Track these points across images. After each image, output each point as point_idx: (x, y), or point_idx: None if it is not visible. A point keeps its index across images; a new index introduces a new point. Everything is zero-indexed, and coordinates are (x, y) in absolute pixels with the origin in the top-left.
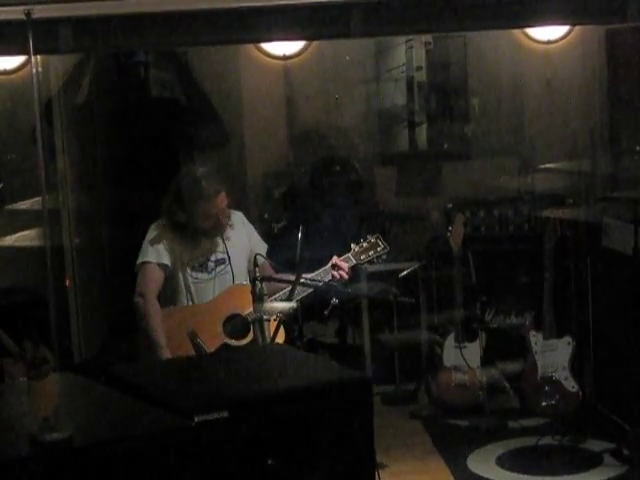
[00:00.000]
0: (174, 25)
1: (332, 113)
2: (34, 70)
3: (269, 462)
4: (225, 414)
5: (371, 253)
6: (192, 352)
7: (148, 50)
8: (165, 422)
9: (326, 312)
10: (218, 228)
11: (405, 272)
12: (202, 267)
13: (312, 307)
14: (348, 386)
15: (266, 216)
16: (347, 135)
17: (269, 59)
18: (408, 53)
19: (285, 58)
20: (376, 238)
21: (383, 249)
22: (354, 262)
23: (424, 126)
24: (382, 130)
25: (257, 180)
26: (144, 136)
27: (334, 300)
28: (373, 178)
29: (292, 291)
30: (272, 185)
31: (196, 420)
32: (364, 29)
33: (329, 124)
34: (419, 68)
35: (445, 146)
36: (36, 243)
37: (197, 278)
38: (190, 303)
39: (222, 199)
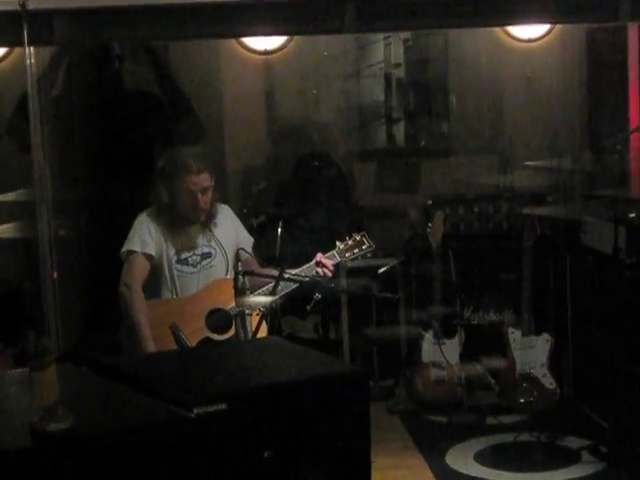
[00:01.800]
0: (166, 18)
1: (312, 109)
2: (28, 61)
3: (265, 455)
4: (224, 406)
5: (356, 251)
6: (174, 345)
7: (124, 43)
8: (165, 414)
9: (308, 307)
10: (203, 217)
11: (384, 268)
12: (188, 260)
13: (292, 302)
14: (345, 379)
15: (245, 211)
16: (327, 131)
17: (250, 54)
18: (387, 50)
19: (266, 53)
20: (362, 236)
21: (368, 247)
22: (339, 259)
23: (402, 123)
24: (361, 126)
25: (236, 175)
26: (119, 129)
27: (317, 295)
28: (352, 174)
29: (275, 286)
30: (251, 180)
31: (195, 412)
32: (357, 25)
33: (309, 120)
34: (397, 65)
35: (422, 143)
36: (13, 235)
37: (182, 271)
38: (174, 296)
39: (205, 178)
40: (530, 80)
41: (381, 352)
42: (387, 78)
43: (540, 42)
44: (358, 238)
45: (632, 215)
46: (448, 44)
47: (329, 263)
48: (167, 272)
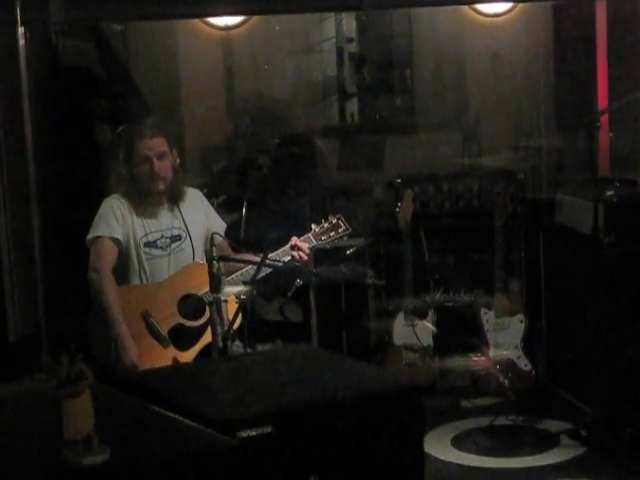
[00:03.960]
0: None
1: (272, 85)
2: (21, 42)
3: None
4: (269, 429)
5: (332, 234)
6: (145, 332)
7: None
8: (206, 440)
9: (289, 294)
10: (162, 186)
11: (352, 249)
12: (156, 243)
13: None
14: (400, 396)
15: (205, 191)
16: (287, 107)
17: (210, 29)
18: (339, 25)
19: (226, 29)
20: (337, 219)
21: (345, 230)
22: (314, 243)
23: (356, 99)
24: (321, 102)
25: (195, 154)
26: (60, 108)
27: (298, 282)
28: (313, 151)
29: (257, 273)
30: (211, 159)
31: (239, 436)
32: (375, 2)
33: (269, 97)
34: (350, 40)
35: (377, 117)
36: None
37: (151, 254)
38: (144, 281)
39: (160, 142)
40: (496, 55)
41: (350, 335)
42: (339, 53)
43: (506, 17)
44: (334, 221)
45: (609, 193)
46: (412, 19)
47: (305, 246)
48: (135, 256)
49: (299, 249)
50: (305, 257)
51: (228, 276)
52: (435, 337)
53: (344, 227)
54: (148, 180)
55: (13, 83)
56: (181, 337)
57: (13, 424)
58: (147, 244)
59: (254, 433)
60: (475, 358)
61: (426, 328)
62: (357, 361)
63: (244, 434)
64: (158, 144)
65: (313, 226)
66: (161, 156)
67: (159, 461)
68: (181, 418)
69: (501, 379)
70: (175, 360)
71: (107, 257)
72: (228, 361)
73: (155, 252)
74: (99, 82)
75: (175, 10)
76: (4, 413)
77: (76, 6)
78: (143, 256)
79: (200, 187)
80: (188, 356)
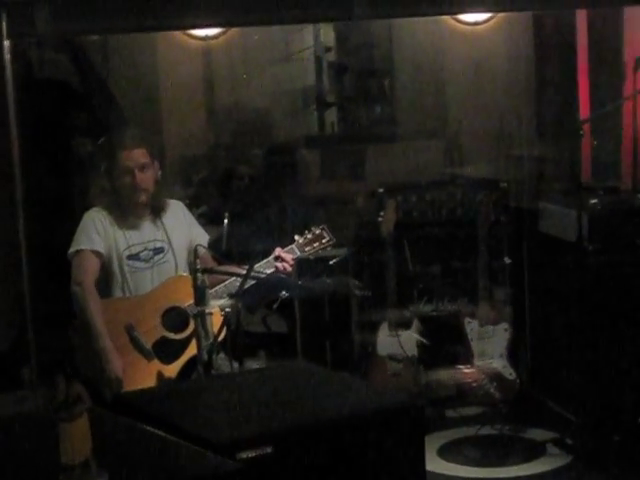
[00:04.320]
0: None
1: (252, 95)
2: (7, 56)
3: None
4: (269, 450)
5: (316, 245)
6: (129, 346)
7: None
8: (206, 463)
9: (275, 306)
10: (144, 198)
11: (335, 259)
12: (139, 256)
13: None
14: (401, 414)
15: (186, 201)
16: (267, 117)
17: (189, 39)
18: (317, 34)
19: (206, 39)
20: (321, 229)
21: (329, 241)
22: (298, 254)
23: (335, 108)
24: (301, 112)
25: (176, 165)
26: (36, 120)
27: (283, 293)
28: (295, 161)
29: (242, 285)
30: (191, 170)
31: (238, 458)
32: (365, 12)
33: (250, 107)
34: (329, 49)
35: (357, 126)
36: None
37: (134, 267)
38: (127, 294)
39: (141, 154)
40: (476, 64)
41: (334, 346)
42: (318, 62)
43: (486, 25)
44: (318, 232)
45: (593, 201)
46: (392, 28)
47: (289, 257)
48: (118, 269)
49: (283, 260)
50: (289, 268)
51: (212, 288)
52: (420, 347)
53: (328, 238)
54: (130, 192)
55: None
56: (165, 350)
57: (8, 448)
58: (130, 257)
59: (254, 454)
60: (465, 371)
61: (411, 338)
62: (353, 378)
63: (244, 455)
64: (139, 155)
65: (296, 237)
66: (143, 167)
67: None
68: (180, 440)
69: (491, 390)
70: (159, 374)
71: (89, 270)
72: (223, 380)
73: (138, 265)
74: (75, 94)
75: (158, 23)
76: None
77: (62, 19)
78: (126, 269)
79: (180, 198)
80: (172, 369)
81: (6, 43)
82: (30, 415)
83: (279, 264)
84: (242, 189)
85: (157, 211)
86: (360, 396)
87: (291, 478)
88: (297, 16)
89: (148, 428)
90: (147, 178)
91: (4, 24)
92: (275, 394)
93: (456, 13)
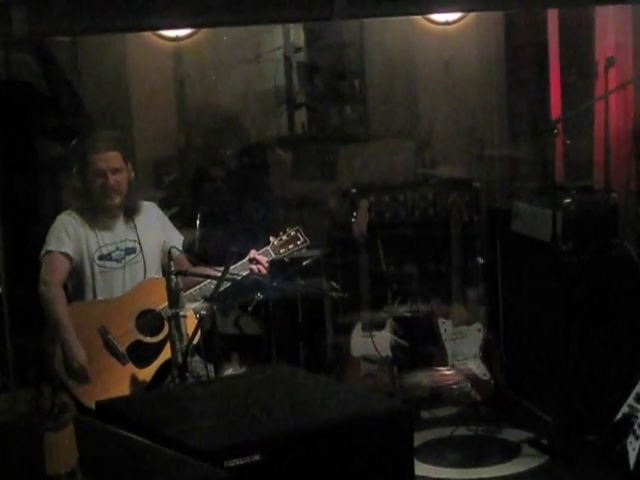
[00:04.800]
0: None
1: (223, 96)
2: None
3: None
4: (257, 457)
5: (291, 247)
6: (102, 349)
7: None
8: (194, 471)
9: (250, 308)
10: (117, 200)
11: (308, 261)
12: (111, 255)
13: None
14: (389, 418)
15: (157, 203)
16: (238, 118)
17: (159, 40)
18: (287, 34)
19: (177, 39)
20: (296, 231)
21: (303, 242)
22: (273, 256)
23: (304, 109)
24: (272, 112)
25: (147, 166)
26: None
27: (258, 296)
28: (267, 161)
29: (217, 287)
30: (162, 171)
31: (226, 466)
32: (346, 13)
33: (220, 107)
34: (298, 49)
35: (327, 127)
36: None
37: (105, 267)
38: (98, 295)
39: (113, 157)
40: (447, 64)
41: (308, 347)
42: (287, 63)
43: (457, 25)
44: (292, 233)
45: (567, 201)
46: (363, 27)
47: (264, 260)
48: (89, 270)
49: (258, 262)
50: (264, 271)
51: (186, 291)
52: (393, 348)
53: (302, 239)
54: (102, 194)
55: None
56: (139, 354)
57: None
58: (101, 257)
59: (242, 462)
60: (439, 371)
61: (384, 339)
62: (337, 381)
63: (232, 463)
64: (112, 158)
65: (272, 239)
66: (115, 170)
67: None
68: (166, 449)
69: (466, 390)
70: (134, 377)
71: (57, 270)
72: (207, 386)
73: (109, 264)
74: (42, 96)
75: (128, 23)
76: None
77: (37, 20)
78: (97, 269)
79: (152, 199)
80: (147, 373)
81: None
82: (13, 424)
83: (254, 266)
84: (214, 190)
85: (130, 213)
86: (347, 400)
87: None
88: (273, 16)
89: (134, 437)
90: (120, 180)
91: None
92: (261, 400)
93: (435, 12)
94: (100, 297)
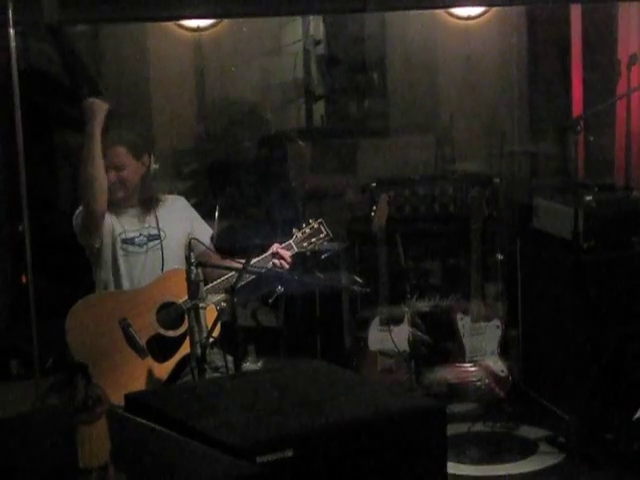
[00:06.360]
0: None
1: (243, 88)
2: (13, 44)
3: None
4: (289, 453)
5: (313, 240)
6: (122, 342)
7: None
8: (226, 467)
9: (270, 301)
10: (122, 194)
11: (326, 254)
12: (134, 240)
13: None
14: (424, 415)
15: (176, 194)
16: (258, 110)
17: (180, 30)
18: (306, 27)
19: (198, 30)
20: (319, 224)
21: (326, 236)
22: (296, 250)
23: (324, 101)
24: (291, 104)
25: (166, 157)
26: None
27: (279, 288)
28: (286, 154)
29: (237, 281)
30: (181, 162)
31: (258, 462)
32: (379, 5)
33: (240, 99)
34: (318, 42)
35: (347, 120)
36: None
37: (127, 251)
38: (120, 279)
39: (118, 153)
40: (469, 59)
41: (324, 340)
42: (306, 56)
43: (479, 20)
44: (315, 226)
45: (588, 198)
46: (385, 21)
47: (287, 254)
48: (111, 252)
49: (281, 257)
50: (287, 265)
51: (211, 283)
52: (411, 343)
53: (325, 232)
54: (109, 187)
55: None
56: (159, 348)
57: (23, 450)
58: (124, 240)
59: (274, 458)
60: (457, 367)
61: (402, 334)
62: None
63: (264, 459)
64: (115, 154)
65: (295, 231)
66: (118, 167)
67: None
68: (198, 443)
69: (483, 387)
70: (152, 372)
71: None
72: (238, 380)
73: (132, 249)
74: (60, 86)
75: (151, 13)
76: (14, 438)
77: (69, 7)
78: (119, 252)
79: (170, 190)
80: (166, 367)
81: (12, 31)
82: (46, 416)
83: (276, 260)
84: (232, 181)
85: (148, 205)
86: (380, 397)
87: None
88: (306, 7)
89: (165, 431)
90: (124, 177)
91: (10, 12)
92: (295, 395)
93: (459, 6)
94: (123, 282)
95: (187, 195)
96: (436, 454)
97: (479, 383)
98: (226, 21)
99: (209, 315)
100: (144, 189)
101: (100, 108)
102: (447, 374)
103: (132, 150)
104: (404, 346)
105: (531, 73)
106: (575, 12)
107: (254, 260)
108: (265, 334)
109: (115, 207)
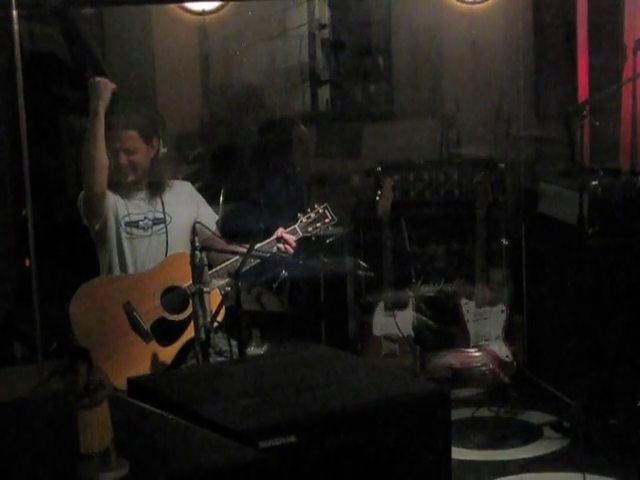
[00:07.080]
0: None
1: (248, 71)
2: (16, 27)
3: None
4: (293, 439)
5: (318, 225)
6: (126, 326)
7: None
8: (229, 452)
9: (274, 285)
10: (132, 177)
11: (332, 238)
12: (138, 223)
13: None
14: (428, 400)
15: (180, 178)
16: (262, 94)
17: (185, 13)
18: (312, 11)
19: (203, 13)
20: (324, 208)
21: (330, 221)
22: (301, 235)
23: (329, 86)
24: (296, 88)
25: (170, 141)
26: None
27: (283, 273)
28: (289, 137)
29: (241, 265)
30: (186, 146)
31: (261, 447)
32: None
33: (244, 83)
34: (323, 26)
35: (352, 104)
36: None
37: (131, 234)
38: (124, 262)
39: (129, 137)
40: (474, 43)
41: (329, 325)
42: (311, 40)
43: (485, 4)
44: (320, 210)
45: (594, 183)
46: (390, 4)
47: (291, 239)
48: (115, 234)
49: (286, 242)
50: (291, 250)
51: (216, 267)
52: (416, 328)
53: (330, 217)
54: (116, 171)
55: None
56: (163, 332)
57: (24, 435)
58: (128, 223)
59: (277, 443)
60: (462, 352)
61: (407, 318)
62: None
63: (267, 444)
64: (127, 138)
65: (299, 215)
66: (129, 150)
67: (180, 476)
68: (200, 428)
69: (487, 371)
70: (157, 356)
71: None
72: (242, 364)
73: (136, 232)
74: (65, 69)
75: None
76: (15, 422)
77: None
78: (123, 235)
79: (175, 174)
80: (170, 352)
81: (15, 13)
82: (47, 401)
83: (281, 245)
84: (236, 165)
85: (155, 189)
86: (384, 382)
87: (316, 468)
88: None
89: (169, 415)
90: (135, 160)
91: None
92: (298, 380)
93: None
94: (127, 265)
95: (192, 179)
96: (440, 439)
97: (483, 368)
98: (231, 4)
99: (213, 299)
100: (152, 173)
101: (106, 88)
102: (451, 359)
103: (143, 134)
104: (408, 331)
105: (537, 58)
106: None
107: (259, 245)
108: (269, 318)
109: (124, 190)
